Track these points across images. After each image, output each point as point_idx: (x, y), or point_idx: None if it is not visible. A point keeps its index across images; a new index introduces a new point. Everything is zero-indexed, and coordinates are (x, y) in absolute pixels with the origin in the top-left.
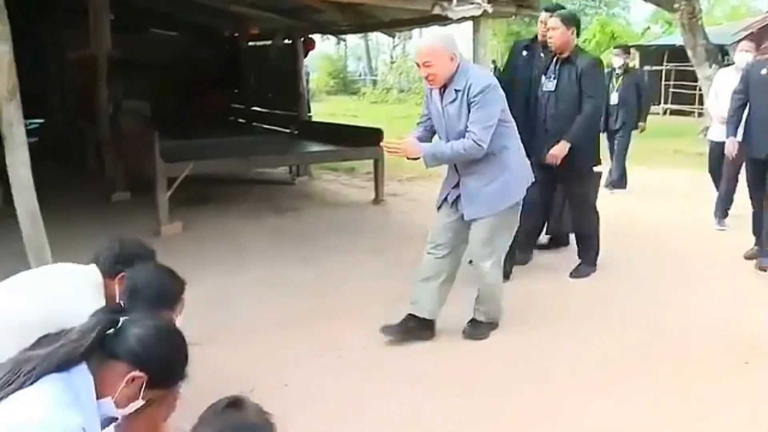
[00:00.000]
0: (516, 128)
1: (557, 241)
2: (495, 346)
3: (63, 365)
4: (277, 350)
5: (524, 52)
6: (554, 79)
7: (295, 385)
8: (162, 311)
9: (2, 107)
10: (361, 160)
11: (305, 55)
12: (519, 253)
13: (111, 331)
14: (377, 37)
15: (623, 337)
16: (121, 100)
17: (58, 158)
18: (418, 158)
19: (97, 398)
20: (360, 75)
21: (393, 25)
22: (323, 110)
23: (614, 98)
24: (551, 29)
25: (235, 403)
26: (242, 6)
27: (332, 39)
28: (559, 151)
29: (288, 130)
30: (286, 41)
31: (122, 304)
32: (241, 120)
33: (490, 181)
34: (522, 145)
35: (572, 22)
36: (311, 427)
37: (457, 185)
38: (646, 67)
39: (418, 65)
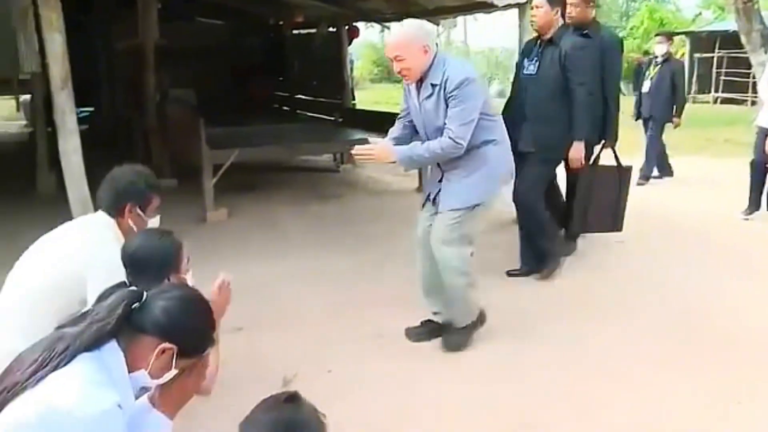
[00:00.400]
0: (502, 122)
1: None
2: (533, 335)
3: (93, 344)
4: (320, 337)
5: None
6: (536, 62)
7: (339, 370)
8: (169, 275)
9: (55, 96)
10: None
11: (349, 43)
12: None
13: (136, 305)
14: None
15: (661, 327)
16: (167, 88)
17: (106, 146)
18: (394, 162)
19: (130, 372)
20: None
21: (437, 12)
22: (367, 98)
23: (645, 86)
24: (535, 7)
25: (291, 399)
26: None
27: (376, 27)
28: (576, 153)
29: (332, 118)
30: (331, 29)
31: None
32: (285, 108)
33: (468, 173)
34: (508, 140)
35: (557, 2)
36: (355, 412)
37: (441, 180)
38: (697, 55)
39: (390, 60)
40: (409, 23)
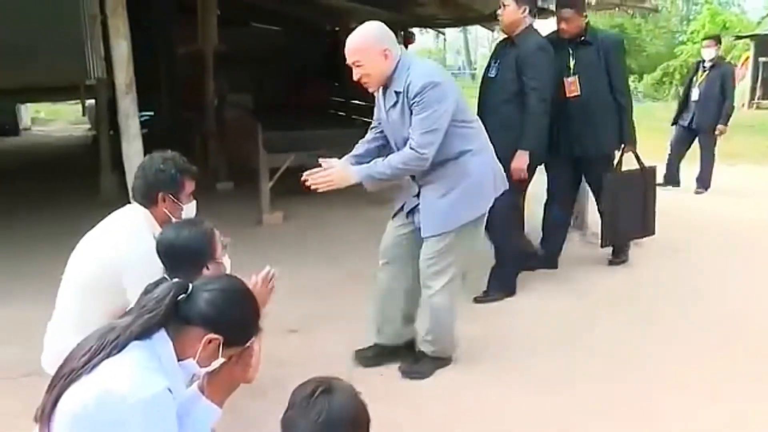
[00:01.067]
0: (481, 128)
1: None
2: (581, 343)
3: (144, 333)
4: (371, 339)
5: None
6: (498, 64)
7: (389, 374)
8: (206, 263)
9: (120, 101)
10: None
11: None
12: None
13: (182, 297)
14: (477, 31)
15: (711, 335)
16: (225, 92)
17: (165, 149)
18: (355, 184)
19: (179, 360)
20: (459, 68)
21: (494, 18)
22: None
23: (695, 94)
24: (502, 5)
25: (327, 389)
26: (343, 0)
27: (431, 33)
28: (519, 163)
29: None
30: None
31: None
32: (341, 113)
33: (447, 190)
34: (490, 148)
35: (524, 1)
36: (406, 412)
37: (418, 195)
38: (762, 59)
39: (349, 66)
40: (368, 26)
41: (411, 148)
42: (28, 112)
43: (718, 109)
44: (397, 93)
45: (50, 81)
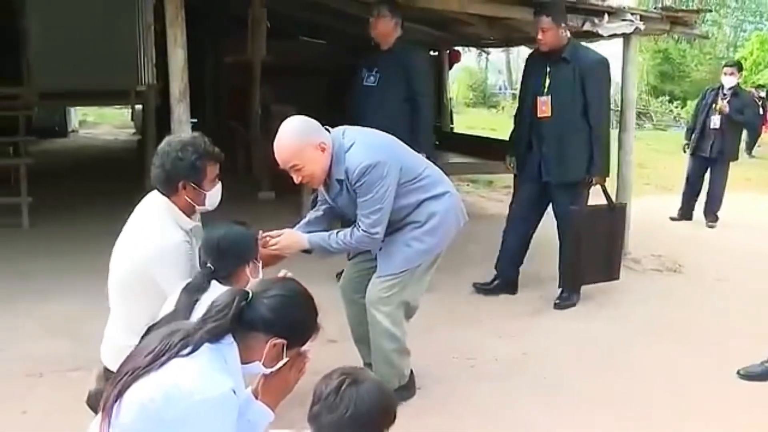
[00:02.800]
0: (438, 175)
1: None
2: (618, 365)
3: (213, 338)
4: (413, 355)
5: (530, 66)
6: (376, 73)
7: (429, 387)
8: (248, 262)
9: (173, 107)
10: (500, 174)
11: (450, 67)
12: None
13: (244, 303)
14: (519, 51)
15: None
16: (270, 103)
17: None
18: (309, 251)
19: (243, 363)
20: (499, 89)
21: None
22: (461, 122)
23: (715, 122)
24: (377, 16)
25: (354, 381)
26: None
27: (473, 51)
28: None
29: None
30: (432, 52)
31: (210, 266)
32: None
33: (408, 233)
34: (452, 190)
35: (397, 12)
36: (448, 424)
37: None
38: None
39: (286, 171)
40: (293, 123)
41: (362, 231)
42: (76, 114)
43: (739, 137)
44: (339, 181)
45: (103, 86)
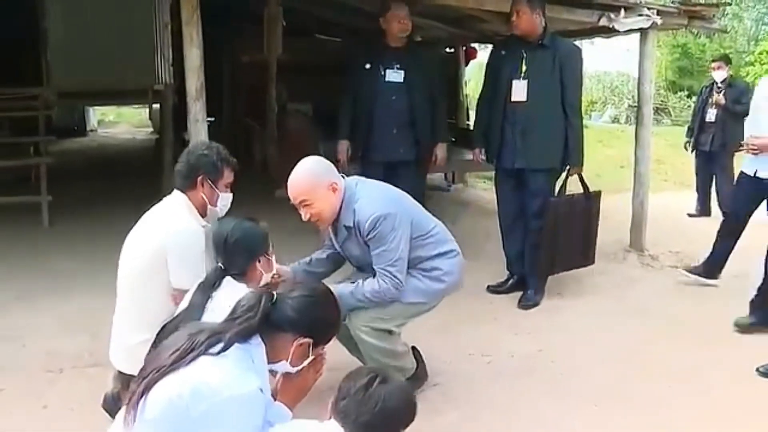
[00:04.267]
0: (446, 230)
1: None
2: (641, 356)
3: (241, 338)
4: (428, 351)
5: (503, 51)
6: (399, 69)
7: (446, 384)
8: (259, 258)
9: (190, 106)
10: None
11: (466, 64)
12: None
13: (270, 305)
14: None
15: None
16: (285, 101)
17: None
18: None
19: (270, 362)
20: None
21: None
22: None
23: (711, 115)
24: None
25: (384, 379)
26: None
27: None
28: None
29: None
30: (448, 50)
31: (220, 266)
32: None
33: (416, 271)
34: (458, 249)
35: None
36: (464, 421)
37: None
38: None
39: (295, 206)
40: (309, 162)
41: (388, 283)
42: (94, 114)
43: (741, 129)
44: (347, 228)
45: (120, 85)
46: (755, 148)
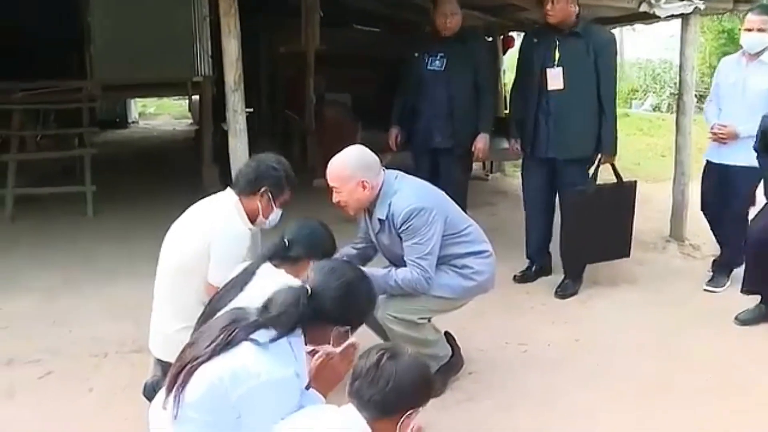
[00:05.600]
0: (480, 231)
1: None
2: (680, 347)
3: (281, 331)
4: (464, 339)
5: (535, 39)
6: (441, 57)
7: (482, 372)
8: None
9: (228, 97)
10: None
11: (504, 53)
12: None
13: (309, 297)
14: None
15: None
16: (324, 92)
17: (264, 146)
18: None
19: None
20: None
21: (597, 23)
22: None
23: None
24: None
25: (392, 355)
26: None
27: None
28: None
29: None
30: (486, 38)
31: (286, 241)
32: None
33: (448, 268)
34: (489, 249)
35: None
36: (499, 410)
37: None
38: None
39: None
40: (349, 153)
41: (419, 275)
42: (136, 106)
43: None
44: (381, 221)
45: (161, 77)
46: (724, 136)
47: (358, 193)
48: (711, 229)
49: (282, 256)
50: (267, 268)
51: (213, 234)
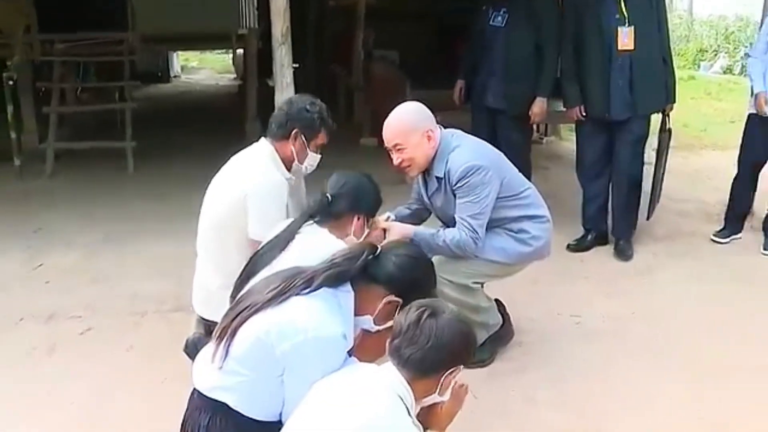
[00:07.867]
0: (538, 196)
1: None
2: (739, 324)
3: (333, 283)
4: (515, 309)
5: None
6: (504, 13)
7: (533, 344)
8: (359, 216)
9: (275, 51)
10: None
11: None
12: None
13: (372, 256)
14: None
15: None
16: (373, 48)
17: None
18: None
19: (356, 314)
20: None
21: None
22: None
23: None
24: None
25: (433, 312)
26: None
27: None
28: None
29: None
30: None
31: (328, 196)
32: None
33: (502, 231)
34: (546, 215)
35: None
36: (549, 382)
37: None
38: None
39: (388, 151)
40: (408, 106)
41: (468, 236)
42: (178, 60)
43: None
44: (438, 179)
45: (204, 29)
46: None
47: (424, 145)
48: None
49: (325, 212)
50: (310, 226)
51: (248, 187)
